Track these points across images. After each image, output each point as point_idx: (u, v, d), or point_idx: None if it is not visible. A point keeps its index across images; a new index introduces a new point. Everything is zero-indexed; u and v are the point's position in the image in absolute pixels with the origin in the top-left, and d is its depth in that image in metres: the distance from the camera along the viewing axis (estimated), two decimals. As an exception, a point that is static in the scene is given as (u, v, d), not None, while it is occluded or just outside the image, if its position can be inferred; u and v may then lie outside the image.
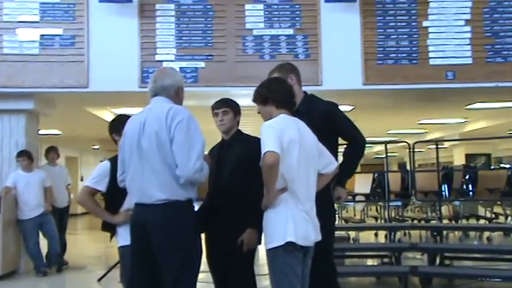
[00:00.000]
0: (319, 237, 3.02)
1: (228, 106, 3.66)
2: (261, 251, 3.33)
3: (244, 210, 3.35)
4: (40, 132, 8.12)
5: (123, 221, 3.42)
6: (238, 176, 3.45)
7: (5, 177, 7.25)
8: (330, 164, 3.17)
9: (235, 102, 3.73)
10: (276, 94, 3.12)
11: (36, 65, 6.80)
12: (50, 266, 7.42)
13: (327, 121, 3.47)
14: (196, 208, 3.17)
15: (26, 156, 7.15)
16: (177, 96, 3.13)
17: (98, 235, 12.86)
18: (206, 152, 3.11)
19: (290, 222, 2.88)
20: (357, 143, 3.62)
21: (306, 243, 2.93)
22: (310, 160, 3.03)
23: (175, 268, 2.86)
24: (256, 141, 3.01)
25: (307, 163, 3.00)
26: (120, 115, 3.78)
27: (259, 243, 3.38)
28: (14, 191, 7.16)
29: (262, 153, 2.83)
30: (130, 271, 3.11)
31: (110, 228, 3.57)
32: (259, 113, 3.22)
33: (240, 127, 3.76)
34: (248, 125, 7.62)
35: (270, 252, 2.93)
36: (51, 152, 8.20)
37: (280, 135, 2.90)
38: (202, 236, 3.39)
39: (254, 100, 3.21)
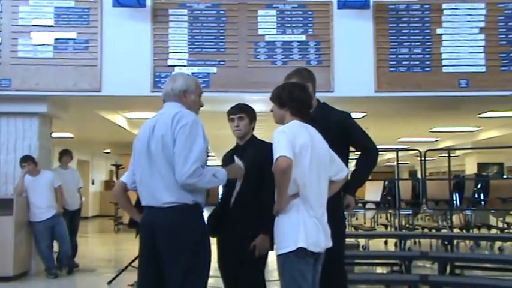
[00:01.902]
0: (329, 244, 3.01)
1: (244, 112, 3.65)
2: (271, 257, 3.33)
3: (256, 216, 3.34)
4: (53, 135, 8.17)
5: None
6: (251, 180, 3.43)
7: (17, 180, 7.30)
8: (341, 171, 3.16)
9: (251, 107, 3.72)
10: (295, 102, 3.08)
11: (49, 69, 6.85)
12: (60, 268, 7.46)
13: (340, 130, 3.48)
14: (208, 213, 3.16)
15: (30, 161, 7.13)
16: (185, 99, 3.10)
17: (108, 238, 13.04)
18: (218, 158, 3.09)
19: (301, 228, 2.87)
20: (370, 153, 3.65)
21: (317, 249, 2.92)
22: (322, 166, 3.02)
23: (181, 271, 2.85)
24: (269, 147, 2.97)
25: (319, 169, 2.99)
26: None
27: (271, 249, 3.35)
28: (25, 194, 7.22)
29: (275, 158, 2.83)
30: (139, 272, 3.12)
31: (135, 225, 3.55)
32: (271, 111, 3.20)
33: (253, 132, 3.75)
34: (261, 130, 7.61)
35: (281, 257, 2.92)
36: (65, 155, 8.24)
37: (292, 140, 2.89)
38: (214, 240, 3.38)
39: (272, 99, 3.18)
